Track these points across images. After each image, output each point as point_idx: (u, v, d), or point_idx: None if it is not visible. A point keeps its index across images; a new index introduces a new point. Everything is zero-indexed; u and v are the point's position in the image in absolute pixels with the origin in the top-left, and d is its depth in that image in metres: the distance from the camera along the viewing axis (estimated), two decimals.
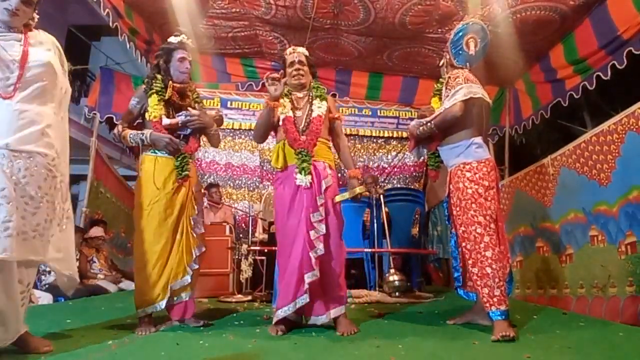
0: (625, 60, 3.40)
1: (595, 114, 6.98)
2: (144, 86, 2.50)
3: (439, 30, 4.25)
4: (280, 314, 2.28)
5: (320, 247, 2.28)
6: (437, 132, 2.47)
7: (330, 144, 2.56)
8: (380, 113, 5.85)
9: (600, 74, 3.71)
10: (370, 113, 5.81)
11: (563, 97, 4.31)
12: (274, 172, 2.52)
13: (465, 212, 2.33)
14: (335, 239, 2.36)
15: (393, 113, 5.87)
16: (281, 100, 2.43)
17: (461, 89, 2.35)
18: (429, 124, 2.47)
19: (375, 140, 5.93)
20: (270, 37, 4.76)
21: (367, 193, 2.54)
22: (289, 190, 2.35)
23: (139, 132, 2.41)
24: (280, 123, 2.43)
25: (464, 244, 2.35)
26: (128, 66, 5.73)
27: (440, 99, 2.62)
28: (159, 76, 2.47)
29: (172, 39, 2.53)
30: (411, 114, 5.88)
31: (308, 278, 2.25)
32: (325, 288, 2.33)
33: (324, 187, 2.35)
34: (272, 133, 2.60)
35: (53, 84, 1.86)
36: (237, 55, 5.27)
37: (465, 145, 2.39)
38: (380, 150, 5.94)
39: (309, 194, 2.32)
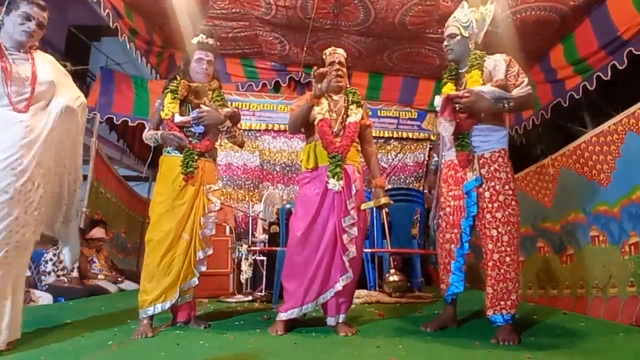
0: (625, 61, 3.40)
1: (596, 114, 6.97)
2: None
3: (439, 30, 4.25)
4: (298, 312, 2.27)
5: (352, 249, 2.30)
6: (508, 111, 2.21)
7: (359, 147, 2.53)
8: (381, 113, 5.86)
9: (600, 74, 3.71)
10: (370, 113, 5.77)
11: (563, 98, 4.32)
12: (301, 172, 2.48)
13: (504, 209, 2.11)
14: (360, 242, 2.36)
15: (393, 113, 5.88)
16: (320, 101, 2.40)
17: (527, 79, 2.19)
18: (511, 101, 2.14)
19: (375, 140, 5.90)
20: (271, 38, 4.76)
21: (392, 202, 2.47)
22: (318, 191, 2.34)
23: (155, 132, 2.45)
24: (316, 122, 2.39)
25: (488, 243, 2.12)
26: (128, 66, 5.74)
27: (482, 72, 2.27)
28: (178, 77, 2.51)
29: (192, 40, 2.54)
30: (411, 114, 5.90)
31: (343, 280, 2.28)
32: (342, 290, 2.31)
33: (354, 190, 2.35)
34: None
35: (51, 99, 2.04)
36: (237, 55, 5.28)
37: (505, 132, 2.24)
38: (380, 151, 5.93)
39: (339, 197, 2.31)
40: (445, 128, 2.22)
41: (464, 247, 2.24)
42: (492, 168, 2.17)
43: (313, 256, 2.29)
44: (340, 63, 2.47)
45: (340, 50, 2.53)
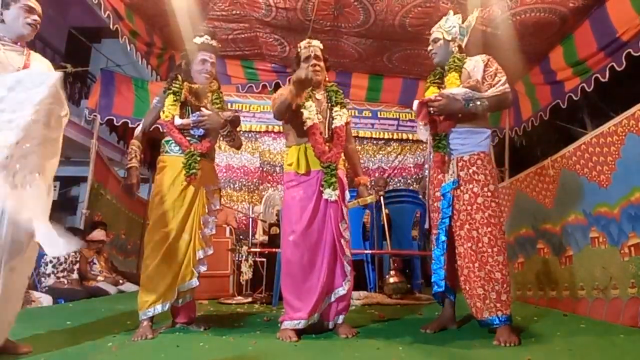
0: (624, 62, 3.40)
1: (595, 116, 6.99)
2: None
3: None
4: (305, 323, 2.20)
5: (348, 253, 2.29)
6: (482, 111, 2.21)
7: None
8: (380, 115, 5.87)
9: (598, 75, 3.72)
10: (370, 115, 5.82)
11: (562, 99, 4.33)
12: (286, 173, 2.40)
13: (483, 210, 2.13)
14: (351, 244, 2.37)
15: (393, 115, 5.89)
16: (307, 103, 2.34)
17: (505, 78, 2.23)
18: (484, 100, 2.17)
19: (375, 142, 5.94)
20: (271, 39, 4.77)
21: (376, 199, 2.46)
22: (310, 195, 2.29)
23: (133, 154, 2.42)
24: (306, 129, 2.32)
25: (469, 245, 2.15)
26: (128, 68, 5.73)
27: (460, 74, 2.31)
28: (180, 77, 2.48)
29: (195, 40, 2.49)
30: (411, 116, 5.90)
31: (345, 285, 2.27)
32: (343, 295, 2.30)
33: (347, 196, 2.36)
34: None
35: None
36: (238, 57, 5.29)
37: (486, 134, 2.25)
38: (380, 152, 5.95)
39: (334, 202, 2.29)
40: (421, 132, 2.31)
41: (440, 247, 2.25)
42: (470, 170, 2.20)
43: (315, 265, 2.25)
44: (316, 57, 2.40)
45: (316, 42, 2.44)
